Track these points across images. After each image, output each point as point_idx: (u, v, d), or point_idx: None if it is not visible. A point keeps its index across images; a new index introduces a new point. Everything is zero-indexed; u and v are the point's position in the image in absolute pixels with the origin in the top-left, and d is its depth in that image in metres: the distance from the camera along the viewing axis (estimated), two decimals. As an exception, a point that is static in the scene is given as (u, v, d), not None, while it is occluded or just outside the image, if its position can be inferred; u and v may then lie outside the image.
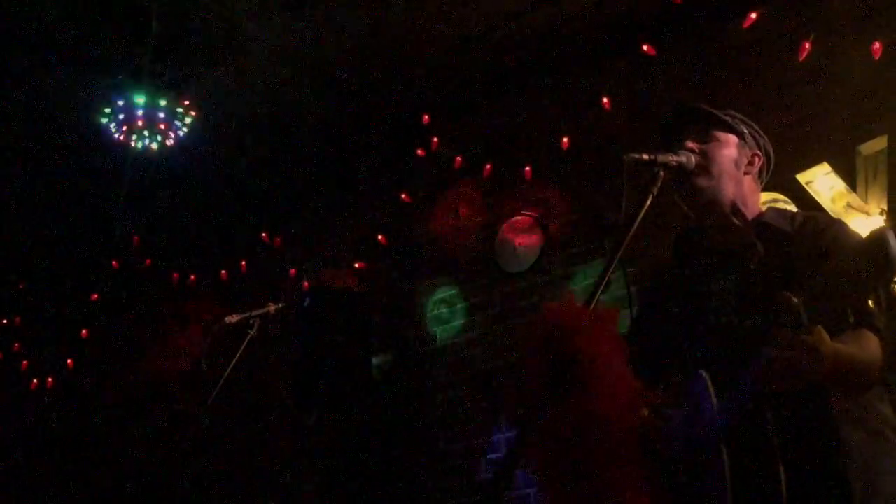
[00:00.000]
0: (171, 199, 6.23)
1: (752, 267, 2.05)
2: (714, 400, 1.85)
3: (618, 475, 1.66)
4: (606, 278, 1.84)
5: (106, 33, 4.53)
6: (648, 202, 1.96)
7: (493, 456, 4.73)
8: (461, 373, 5.03)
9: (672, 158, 2.08)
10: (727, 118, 2.25)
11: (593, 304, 1.78)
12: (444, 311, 5.24)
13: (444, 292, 5.28)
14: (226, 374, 3.33)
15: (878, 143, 3.77)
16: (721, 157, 2.19)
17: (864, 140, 3.80)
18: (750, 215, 2.20)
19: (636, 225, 1.92)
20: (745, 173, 2.23)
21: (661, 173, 2.03)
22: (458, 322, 5.16)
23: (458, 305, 5.19)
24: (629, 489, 1.67)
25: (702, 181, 2.16)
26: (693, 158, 2.13)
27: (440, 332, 5.22)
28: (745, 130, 2.27)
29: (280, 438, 5.72)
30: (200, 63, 4.78)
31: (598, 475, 1.66)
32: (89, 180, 5.88)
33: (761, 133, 2.32)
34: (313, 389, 5.53)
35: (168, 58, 4.51)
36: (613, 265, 1.86)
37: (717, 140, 2.21)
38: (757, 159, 2.27)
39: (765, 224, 2.15)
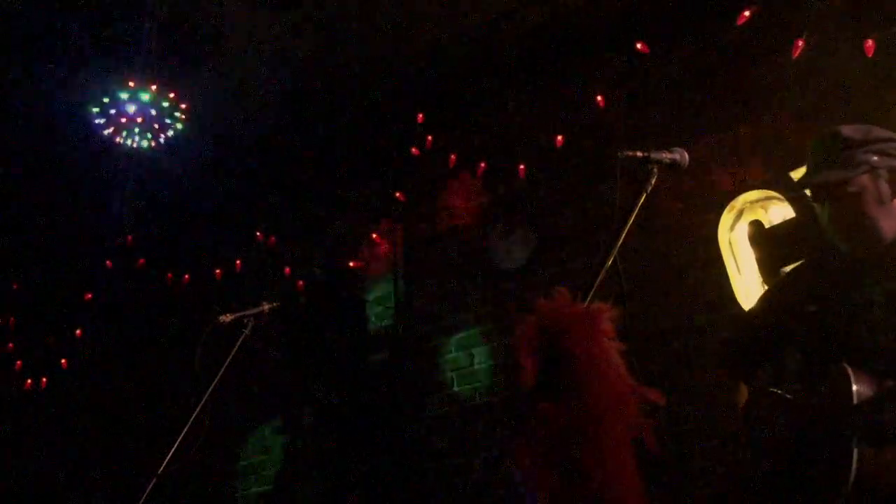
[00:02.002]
0: (165, 198, 6.21)
1: None
2: (855, 398, 1.95)
3: (612, 473, 1.66)
4: (601, 275, 1.84)
5: (99, 29, 4.52)
6: (642, 199, 1.96)
7: (487, 455, 4.73)
8: (456, 371, 5.03)
9: (665, 156, 2.08)
10: (849, 172, 2.16)
11: (587, 301, 1.78)
12: (439, 310, 5.24)
13: (438, 291, 5.28)
14: (220, 373, 3.31)
15: (872, 140, 3.78)
16: (865, 208, 2.16)
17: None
18: None
19: (630, 222, 1.92)
20: (888, 199, 2.19)
21: (655, 170, 2.03)
22: (453, 320, 5.15)
23: (453, 304, 5.18)
24: (624, 487, 1.67)
25: (873, 243, 2.17)
26: (686, 155, 2.12)
27: (435, 331, 5.21)
28: (873, 157, 2.18)
29: (276, 437, 5.72)
30: (192, 60, 4.77)
31: (592, 473, 1.66)
32: (84, 179, 5.88)
33: (892, 137, 2.23)
34: (309, 389, 5.53)
35: (160, 54, 4.51)
36: (608, 262, 1.86)
37: (853, 195, 2.16)
38: (891, 173, 2.20)
39: None
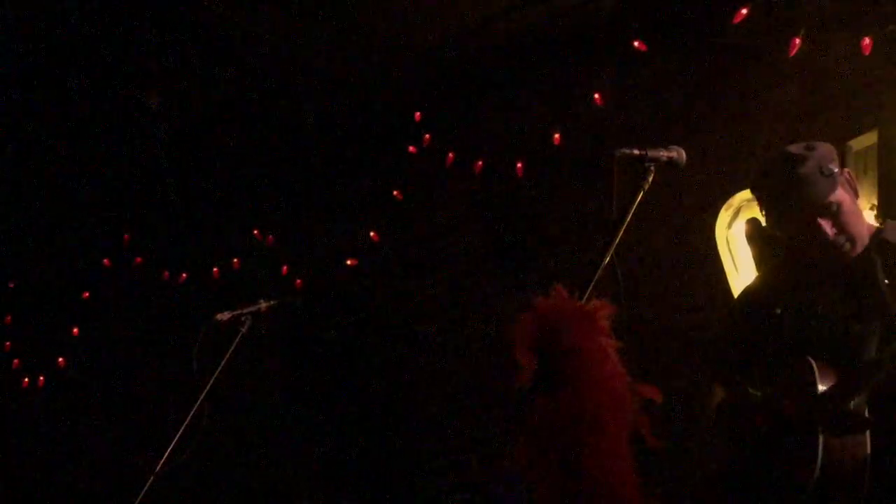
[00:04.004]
0: (162, 196, 6.21)
1: (866, 279, 2.14)
2: (819, 386, 2.02)
3: (609, 469, 1.67)
4: (598, 273, 1.85)
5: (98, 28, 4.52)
6: (639, 197, 1.97)
7: (486, 452, 4.73)
8: (455, 369, 5.03)
9: (663, 154, 2.08)
10: (827, 178, 2.18)
11: (585, 298, 1.79)
12: (437, 308, 5.24)
13: (436, 289, 5.28)
14: (217, 372, 3.31)
15: (869, 139, 3.78)
16: (851, 216, 2.21)
17: (854, 135, 3.81)
18: (868, 232, 2.25)
19: (627, 220, 1.93)
20: (856, 202, 2.26)
21: (652, 168, 2.03)
22: (452, 318, 5.15)
23: (451, 302, 5.19)
24: (620, 483, 1.67)
25: (854, 250, 2.21)
26: (684, 154, 2.12)
27: (434, 328, 5.21)
28: (834, 169, 2.21)
29: (273, 435, 5.72)
30: (190, 58, 4.77)
31: (590, 469, 1.66)
32: (81, 177, 5.87)
33: (824, 148, 2.27)
34: (306, 387, 5.53)
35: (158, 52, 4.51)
36: (605, 260, 1.87)
37: (839, 203, 2.19)
38: (850, 177, 2.27)
39: (884, 241, 2.22)
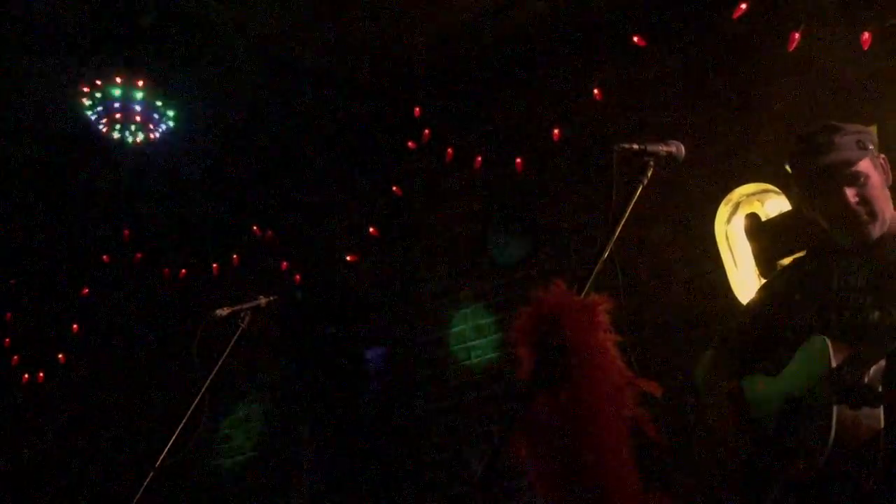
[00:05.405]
0: (161, 193, 6.20)
1: (888, 267, 2.17)
2: (833, 362, 2.04)
3: (608, 463, 1.67)
4: (598, 268, 1.85)
5: (93, 21, 4.51)
6: (638, 192, 1.97)
7: (485, 447, 4.74)
8: (454, 365, 5.03)
9: (662, 148, 2.08)
10: (861, 151, 2.23)
11: (584, 293, 1.79)
12: (436, 304, 5.24)
13: (435, 284, 5.28)
14: (216, 367, 3.32)
15: (869, 133, 3.79)
16: (877, 192, 2.23)
17: (853, 130, 3.80)
18: (892, 220, 2.27)
19: (626, 214, 1.93)
20: (886, 186, 2.28)
21: (651, 163, 2.03)
22: (451, 314, 5.15)
23: (450, 298, 5.19)
24: (620, 477, 1.68)
25: (874, 228, 2.23)
26: (683, 148, 2.12)
27: (432, 324, 5.21)
28: (870, 146, 2.26)
29: (272, 431, 5.73)
30: (188, 55, 4.76)
31: (589, 463, 1.67)
32: (80, 174, 5.87)
33: (868, 129, 2.32)
34: (304, 382, 5.54)
35: (153, 48, 4.50)
36: (604, 255, 1.87)
37: (867, 175, 2.23)
38: (884, 162, 2.29)
39: None
